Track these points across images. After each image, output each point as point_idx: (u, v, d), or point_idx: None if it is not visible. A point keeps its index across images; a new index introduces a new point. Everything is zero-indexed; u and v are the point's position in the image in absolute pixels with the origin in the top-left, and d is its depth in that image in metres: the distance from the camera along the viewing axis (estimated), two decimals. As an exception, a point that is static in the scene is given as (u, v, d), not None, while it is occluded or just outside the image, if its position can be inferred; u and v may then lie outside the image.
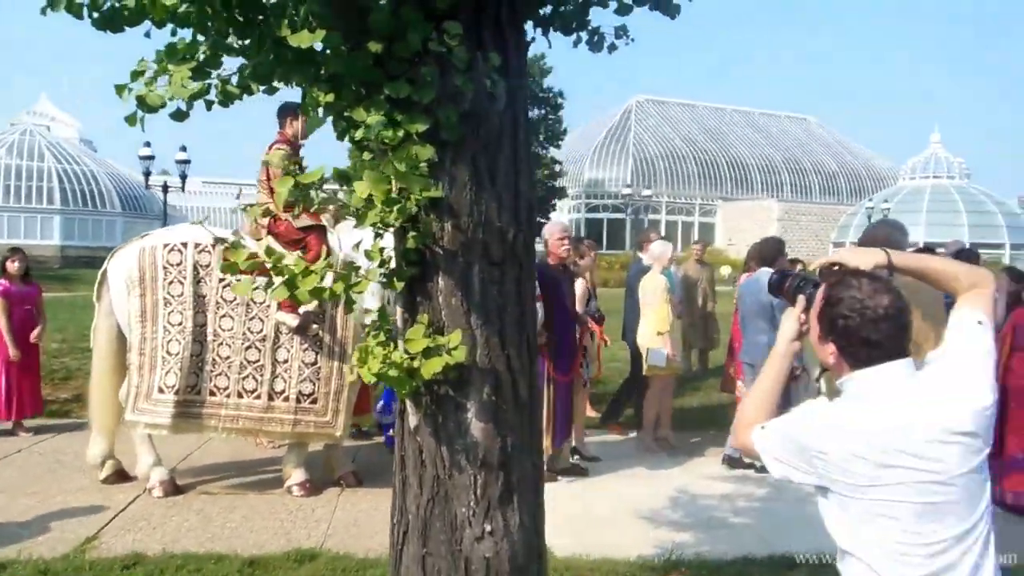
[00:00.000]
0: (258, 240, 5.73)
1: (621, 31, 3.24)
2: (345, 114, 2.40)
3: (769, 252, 7.76)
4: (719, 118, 59.84)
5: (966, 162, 47.17)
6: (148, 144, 23.17)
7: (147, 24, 2.37)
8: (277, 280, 2.35)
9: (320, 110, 2.40)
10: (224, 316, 5.74)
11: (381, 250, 2.49)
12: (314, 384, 5.77)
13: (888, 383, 1.98)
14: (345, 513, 5.57)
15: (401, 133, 2.34)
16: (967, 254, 7.37)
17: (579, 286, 7.28)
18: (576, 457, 7.03)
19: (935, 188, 44.93)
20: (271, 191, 5.69)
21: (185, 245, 5.80)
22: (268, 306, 5.72)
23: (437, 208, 2.46)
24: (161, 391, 5.62)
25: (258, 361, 5.73)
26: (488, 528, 2.58)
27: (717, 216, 54.13)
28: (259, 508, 5.56)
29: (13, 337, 7.56)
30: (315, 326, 5.74)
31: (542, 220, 47.19)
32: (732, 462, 6.93)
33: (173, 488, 5.79)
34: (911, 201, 44.29)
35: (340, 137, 2.44)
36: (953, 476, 1.92)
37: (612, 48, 3.27)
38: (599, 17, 3.17)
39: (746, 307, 7.11)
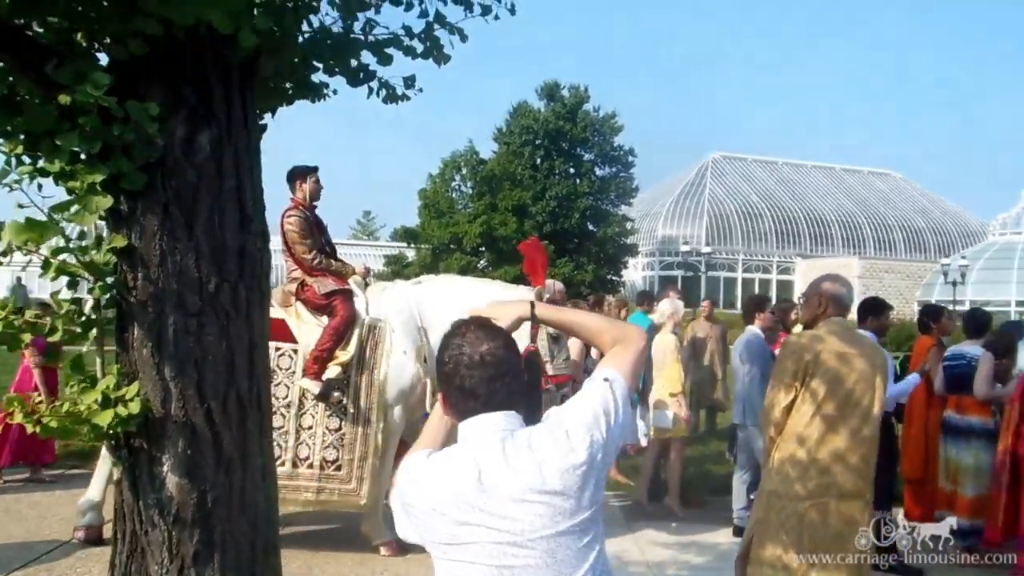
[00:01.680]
0: (287, 307, 5.86)
1: (410, 81, 3.22)
2: (38, 166, 2.43)
3: (750, 308, 7.53)
4: (798, 174, 58.63)
5: (1060, 217, 44.72)
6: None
7: None
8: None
9: (13, 162, 2.43)
10: None
11: (77, 300, 2.51)
12: (338, 451, 5.73)
13: (480, 435, 1.86)
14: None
15: (87, 184, 2.35)
16: (977, 315, 6.92)
17: (574, 343, 7.15)
18: None
19: (1028, 244, 42.72)
20: (293, 257, 5.86)
21: None
22: (293, 372, 5.77)
23: (130, 258, 2.45)
24: None
25: (283, 427, 5.67)
26: (183, 587, 2.49)
27: (796, 273, 52.69)
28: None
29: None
30: (336, 393, 5.71)
31: (614, 278, 47.14)
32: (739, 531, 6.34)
33: (97, 537, 5.77)
34: (1002, 258, 42.20)
35: (39, 187, 2.46)
36: (532, 539, 1.76)
37: (404, 98, 3.26)
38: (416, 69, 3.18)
39: (736, 367, 6.97)
